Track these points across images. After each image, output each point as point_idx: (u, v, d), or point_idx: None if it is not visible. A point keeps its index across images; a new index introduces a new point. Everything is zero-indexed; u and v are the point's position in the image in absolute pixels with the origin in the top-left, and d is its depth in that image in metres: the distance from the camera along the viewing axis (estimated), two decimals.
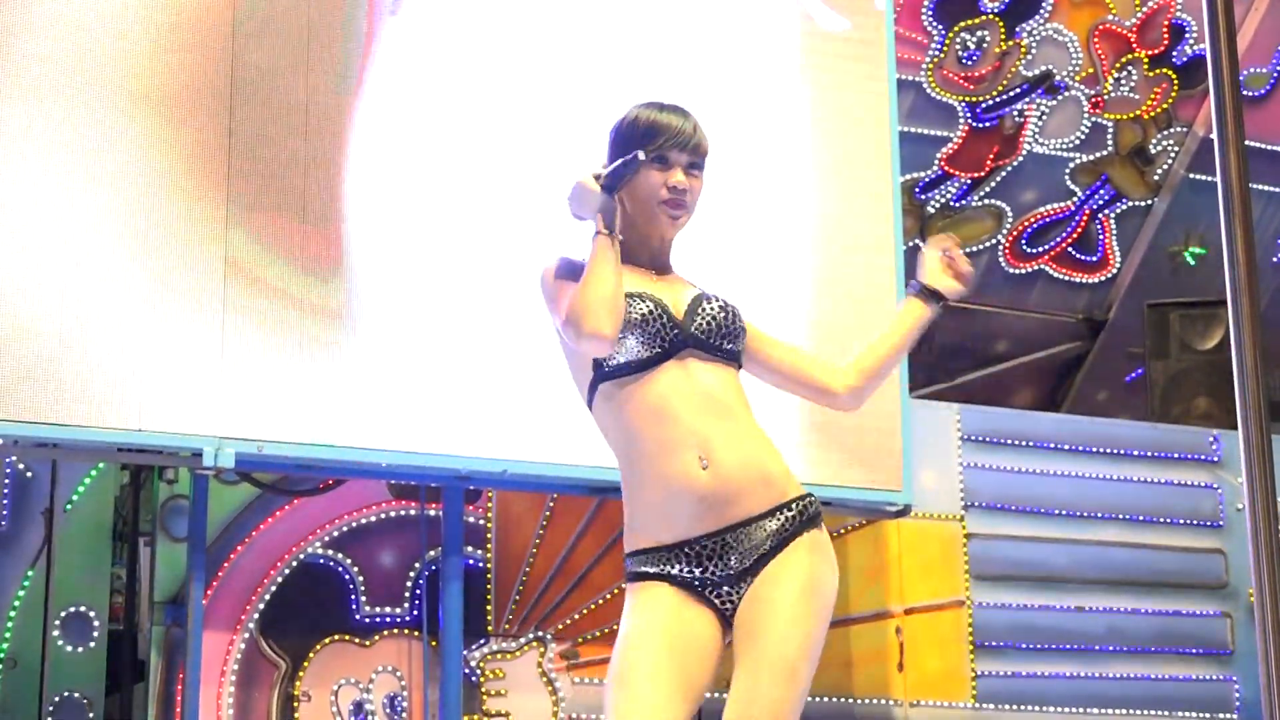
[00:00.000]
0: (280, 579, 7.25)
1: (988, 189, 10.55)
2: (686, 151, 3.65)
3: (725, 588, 3.51)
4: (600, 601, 7.63)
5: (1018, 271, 10.80)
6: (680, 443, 3.50)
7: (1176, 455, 9.12)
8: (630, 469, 3.57)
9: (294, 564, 7.29)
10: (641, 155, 3.56)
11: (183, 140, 6.50)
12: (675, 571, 3.50)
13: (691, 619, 3.49)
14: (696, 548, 3.49)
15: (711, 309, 3.64)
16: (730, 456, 3.52)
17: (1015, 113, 10.43)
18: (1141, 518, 8.93)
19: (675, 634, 3.46)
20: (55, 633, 7.10)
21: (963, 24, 10.18)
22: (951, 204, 10.49)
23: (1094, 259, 10.95)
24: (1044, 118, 10.52)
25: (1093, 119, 10.61)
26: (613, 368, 3.57)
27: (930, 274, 3.85)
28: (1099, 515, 8.84)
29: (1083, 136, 10.63)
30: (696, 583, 3.50)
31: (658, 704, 3.39)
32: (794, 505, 3.56)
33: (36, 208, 6.24)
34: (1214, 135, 3.50)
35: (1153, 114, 10.74)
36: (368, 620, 7.34)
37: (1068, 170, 10.68)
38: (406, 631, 7.37)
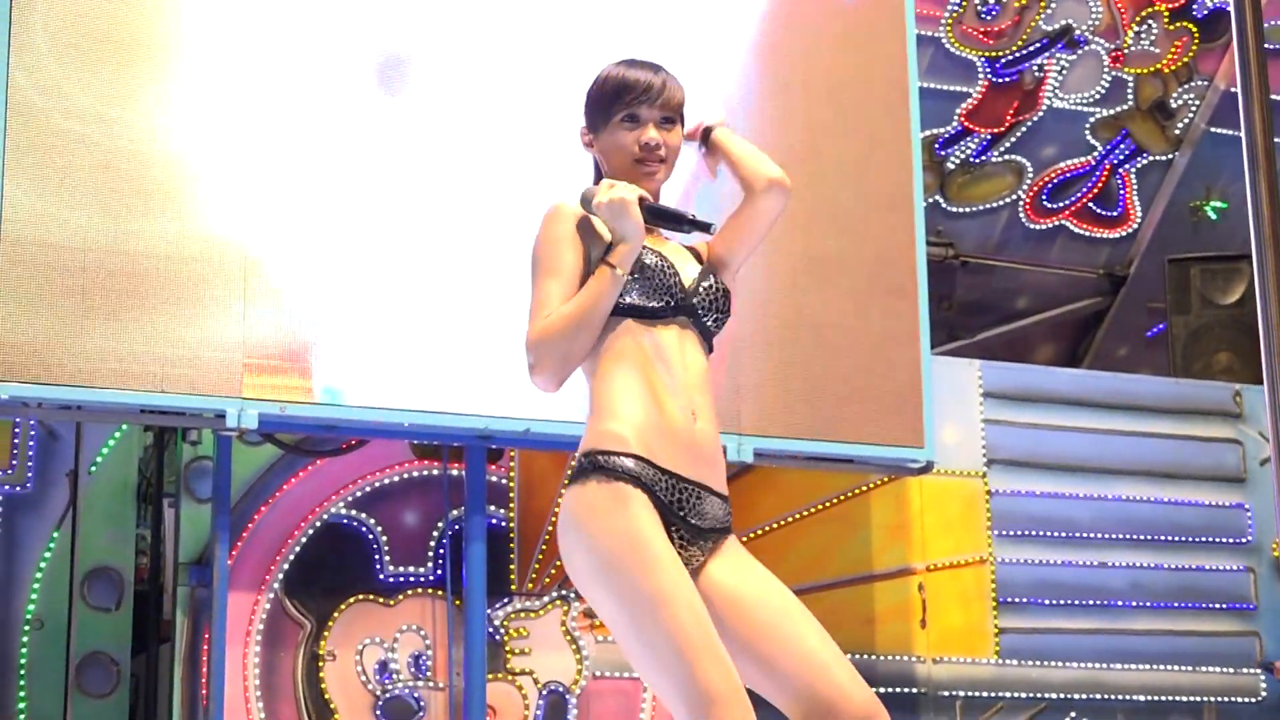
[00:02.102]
0: (304, 539, 7.27)
1: (1008, 144, 10.51)
2: (656, 107, 3.62)
3: (689, 537, 3.45)
4: None
5: (1038, 227, 10.77)
6: (676, 390, 3.50)
7: (1198, 410, 9.11)
8: (620, 385, 3.49)
9: (317, 524, 7.31)
10: (713, 226, 3.56)
11: (200, 100, 6.51)
12: (660, 495, 3.41)
13: (682, 564, 3.39)
14: (681, 484, 3.45)
15: (713, 287, 3.64)
16: (707, 428, 3.52)
17: (1035, 68, 10.38)
18: (1164, 473, 8.92)
19: (694, 591, 3.33)
20: (81, 593, 7.13)
21: None
22: (971, 160, 10.45)
23: (1115, 214, 10.92)
24: (1064, 72, 10.47)
25: (1113, 73, 10.57)
26: (622, 307, 3.53)
27: None
28: (1121, 470, 8.83)
29: (1103, 91, 10.59)
30: (670, 515, 3.41)
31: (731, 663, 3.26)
32: (728, 503, 3.56)
33: (60, 170, 6.25)
34: (1238, 89, 3.48)
35: (1173, 68, 10.69)
36: (391, 580, 7.36)
37: (1088, 125, 10.64)
38: (430, 591, 7.39)
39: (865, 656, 8.06)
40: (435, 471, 7.50)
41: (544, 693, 7.48)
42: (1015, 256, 10.81)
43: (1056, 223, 10.81)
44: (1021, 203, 10.67)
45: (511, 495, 7.60)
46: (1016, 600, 8.44)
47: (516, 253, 6.79)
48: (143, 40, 6.45)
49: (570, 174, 6.79)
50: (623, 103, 3.62)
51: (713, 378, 3.62)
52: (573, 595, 7.58)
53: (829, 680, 3.34)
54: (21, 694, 7.05)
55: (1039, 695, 8.39)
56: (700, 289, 3.61)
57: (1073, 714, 8.44)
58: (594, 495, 3.37)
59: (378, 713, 7.22)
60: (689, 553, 3.45)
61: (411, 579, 7.39)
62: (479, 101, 6.97)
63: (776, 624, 3.39)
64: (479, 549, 7.10)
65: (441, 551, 7.42)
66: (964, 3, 10.12)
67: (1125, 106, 10.67)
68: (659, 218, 3.59)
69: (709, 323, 3.62)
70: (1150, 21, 10.55)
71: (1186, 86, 10.73)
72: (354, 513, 7.38)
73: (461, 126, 6.93)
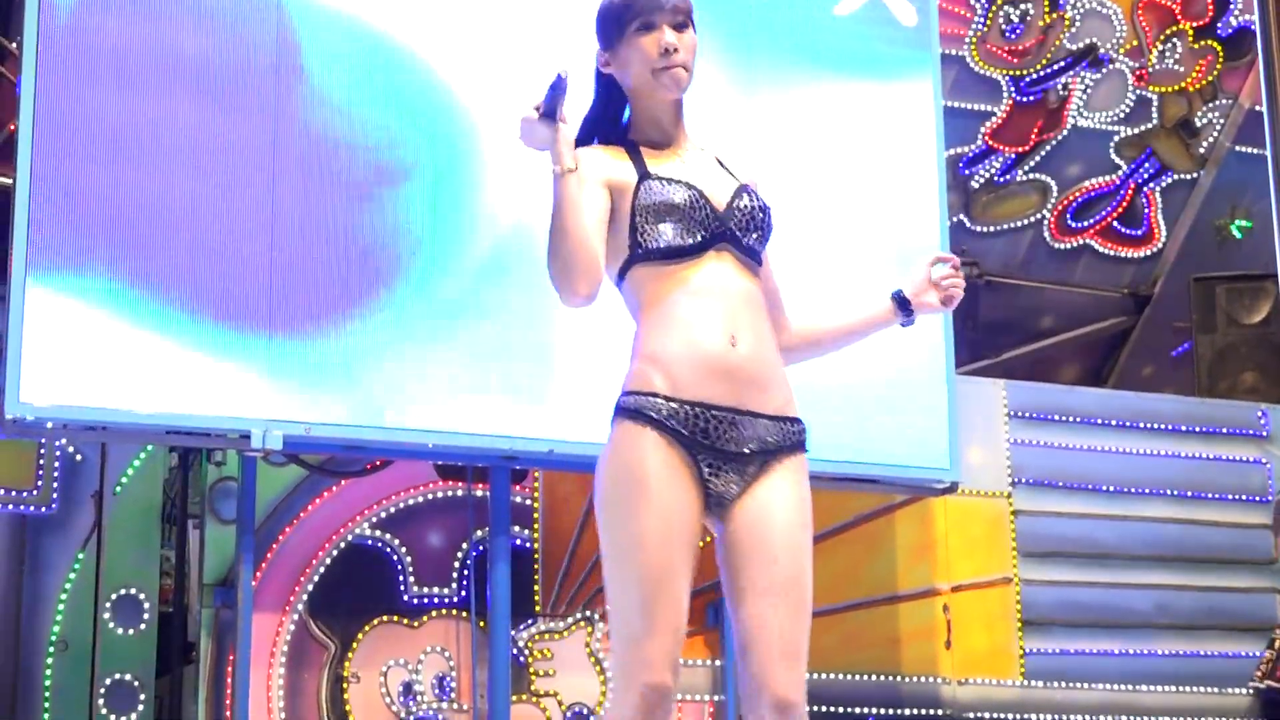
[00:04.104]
0: (328, 560, 7.28)
1: (1032, 163, 10.50)
2: (667, 11, 3.60)
3: (720, 464, 3.46)
4: None
5: (1063, 246, 10.76)
6: (715, 318, 3.49)
7: (1224, 430, 9.08)
8: (656, 324, 3.51)
9: (342, 545, 7.31)
10: (564, 73, 3.43)
11: (230, 124, 6.52)
12: (677, 427, 3.43)
13: (681, 500, 3.43)
14: (711, 413, 3.45)
15: (748, 205, 3.62)
16: (756, 349, 3.52)
17: (1059, 86, 10.38)
18: (1189, 493, 8.89)
19: (680, 528, 3.40)
20: (106, 615, 7.14)
21: None
22: (996, 179, 10.45)
23: (1139, 233, 10.90)
24: (1088, 91, 10.46)
25: (1137, 92, 10.56)
26: (650, 250, 3.53)
27: (916, 287, 3.81)
28: (1146, 491, 8.80)
29: (1127, 110, 10.58)
30: (694, 445, 3.43)
31: (683, 602, 3.38)
32: (794, 423, 3.56)
33: (84, 193, 6.27)
34: (1263, 107, 3.47)
35: (1198, 86, 10.68)
36: (416, 601, 7.36)
37: (1112, 144, 10.63)
38: (454, 612, 7.39)
39: (890, 678, 8.04)
40: (460, 492, 7.50)
41: (568, 714, 7.48)
42: (1039, 276, 10.80)
43: (1081, 242, 10.79)
44: (1046, 222, 10.66)
45: (536, 516, 7.60)
46: (1041, 621, 8.41)
47: (540, 272, 6.81)
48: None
49: None
50: (633, 12, 3.59)
51: (764, 292, 3.61)
52: (597, 616, 7.57)
53: (769, 666, 3.39)
54: (46, 716, 7.06)
55: (1064, 717, 8.35)
56: (735, 210, 3.60)
57: None
58: (616, 434, 3.48)
59: None
60: (721, 479, 3.46)
61: (436, 600, 7.39)
62: (505, 116, 6.97)
63: (761, 593, 3.42)
64: (503, 570, 7.09)
65: (466, 573, 7.42)
66: (988, 21, 10.12)
67: (1150, 125, 10.66)
68: (551, 103, 3.41)
69: (749, 243, 3.60)
70: (1175, 40, 10.55)
71: (1211, 105, 10.72)
72: (378, 534, 7.38)
73: (487, 141, 6.93)
